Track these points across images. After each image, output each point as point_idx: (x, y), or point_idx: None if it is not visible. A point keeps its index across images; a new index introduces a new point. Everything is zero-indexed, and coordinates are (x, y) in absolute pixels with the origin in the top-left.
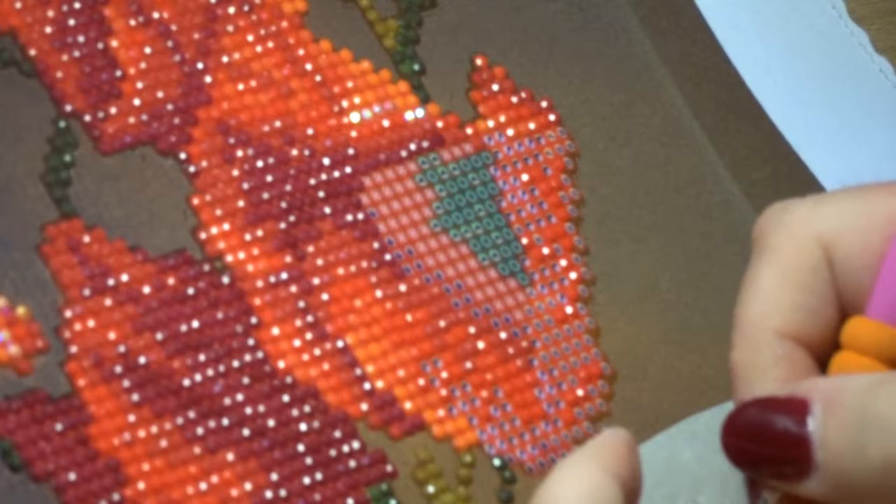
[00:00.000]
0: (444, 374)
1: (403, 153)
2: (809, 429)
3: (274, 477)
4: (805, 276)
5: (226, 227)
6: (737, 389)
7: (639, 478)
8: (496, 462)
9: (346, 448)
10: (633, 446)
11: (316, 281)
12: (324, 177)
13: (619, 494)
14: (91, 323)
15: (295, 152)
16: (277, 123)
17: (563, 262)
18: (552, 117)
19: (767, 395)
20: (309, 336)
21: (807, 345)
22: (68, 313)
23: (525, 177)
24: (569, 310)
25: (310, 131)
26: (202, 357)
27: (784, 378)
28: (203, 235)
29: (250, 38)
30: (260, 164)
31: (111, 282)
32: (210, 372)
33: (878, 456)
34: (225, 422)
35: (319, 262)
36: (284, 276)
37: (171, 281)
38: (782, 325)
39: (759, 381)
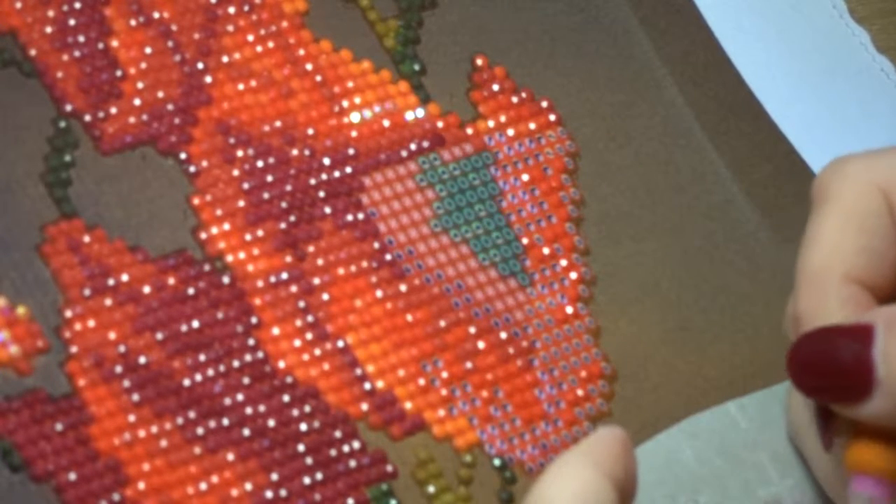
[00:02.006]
0: (445, 374)
1: (404, 153)
2: (874, 347)
3: (274, 477)
4: (868, 220)
5: (226, 227)
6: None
7: (634, 476)
8: (496, 462)
9: (346, 448)
10: (627, 444)
11: (316, 281)
12: (324, 177)
13: (613, 493)
14: (91, 323)
15: (295, 152)
16: (278, 123)
17: (564, 262)
18: (552, 117)
19: (833, 324)
20: (309, 336)
21: (872, 288)
22: (68, 313)
23: (525, 177)
24: (569, 310)
25: (310, 131)
26: (202, 357)
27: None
28: (203, 235)
29: (250, 38)
30: (260, 164)
31: (111, 282)
32: (210, 372)
33: None
34: (225, 422)
35: (320, 262)
36: (285, 276)
37: (171, 281)
38: (848, 269)
39: (826, 322)
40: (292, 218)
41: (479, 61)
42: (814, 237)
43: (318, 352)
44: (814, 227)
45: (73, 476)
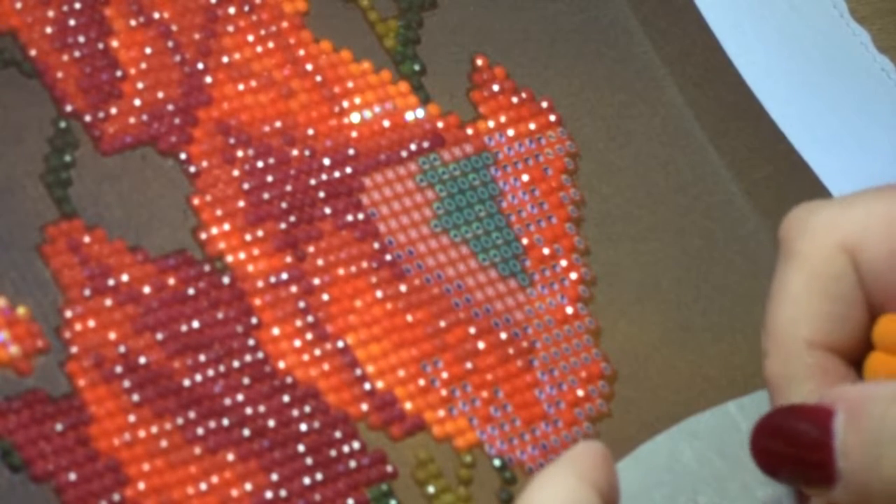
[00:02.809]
0: (445, 375)
1: (404, 153)
2: (833, 437)
3: (274, 477)
4: (832, 283)
5: (226, 227)
6: (773, 400)
7: (616, 489)
8: (496, 462)
9: (346, 448)
10: (608, 457)
11: (316, 281)
12: (324, 177)
13: (598, 502)
14: (91, 323)
15: (295, 152)
16: (278, 124)
17: (564, 263)
18: (552, 118)
19: (796, 403)
20: (309, 336)
21: (839, 351)
22: (68, 313)
23: (525, 177)
24: (569, 310)
25: (310, 131)
26: (202, 357)
27: (818, 389)
28: (203, 236)
29: (251, 38)
30: (260, 164)
31: (111, 282)
32: (210, 372)
33: (892, 470)
34: (225, 422)
35: (320, 262)
36: (285, 276)
37: (171, 281)
38: (812, 335)
39: (793, 392)
40: (292, 218)
41: (479, 61)
42: (779, 297)
43: (318, 352)
44: (779, 286)
45: (73, 476)
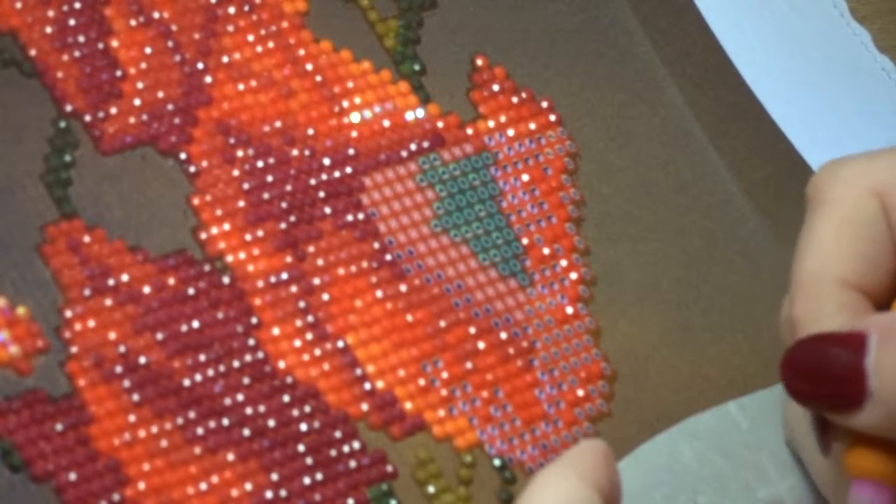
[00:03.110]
0: (445, 375)
1: (404, 153)
2: (866, 357)
3: (274, 477)
4: (863, 226)
5: (226, 227)
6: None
7: (618, 489)
8: (496, 462)
9: (346, 448)
10: (610, 456)
11: (316, 281)
12: (324, 177)
13: (599, 502)
14: (91, 323)
15: (295, 152)
16: (278, 123)
17: (564, 263)
18: (552, 118)
19: (827, 331)
20: (309, 336)
21: (869, 293)
22: (68, 313)
23: (525, 177)
24: (569, 310)
25: (310, 131)
26: (202, 357)
27: (848, 323)
28: (203, 235)
29: (251, 38)
30: (260, 164)
31: (111, 282)
32: (210, 372)
33: None
34: (225, 422)
35: (320, 262)
36: (285, 276)
37: (171, 281)
38: (844, 274)
39: (824, 326)
40: (292, 218)
41: (479, 61)
42: (809, 242)
43: (318, 352)
44: (809, 231)
45: (73, 476)
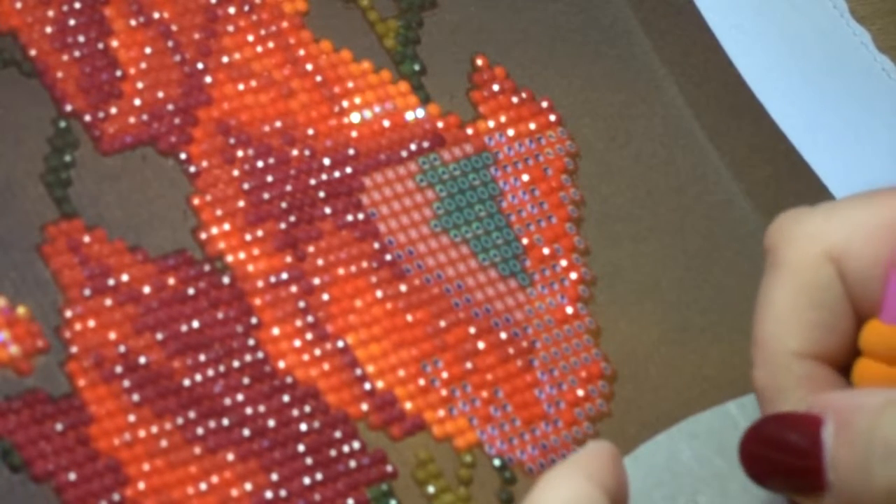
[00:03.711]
0: (445, 375)
1: (404, 153)
2: (823, 446)
3: (274, 477)
4: (818, 293)
5: (226, 227)
6: (763, 410)
7: (625, 488)
8: (496, 462)
9: (346, 448)
10: (618, 457)
11: (316, 281)
12: (324, 177)
13: (606, 503)
14: (91, 323)
15: (295, 152)
16: (278, 124)
17: (564, 263)
18: (552, 117)
19: (785, 411)
20: (309, 336)
21: (828, 359)
22: (68, 313)
23: (525, 177)
24: (569, 310)
25: (310, 131)
26: (202, 357)
27: (806, 397)
28: (203, 235)
29: (251, 38)
30: (260, 164)
31: (111, 282)
32: (210, 372)
33: (882, 483)
34: (225, 422)
35: (320, 262)
36: (285, 276)
37: (171, 281)
38: (800, 345)
39: (782, 402)
40: (292, 218)
41: (479, 61)
42: (766, 307)
43: (318, 352)
44: (765, 295)
45: (73, 476)
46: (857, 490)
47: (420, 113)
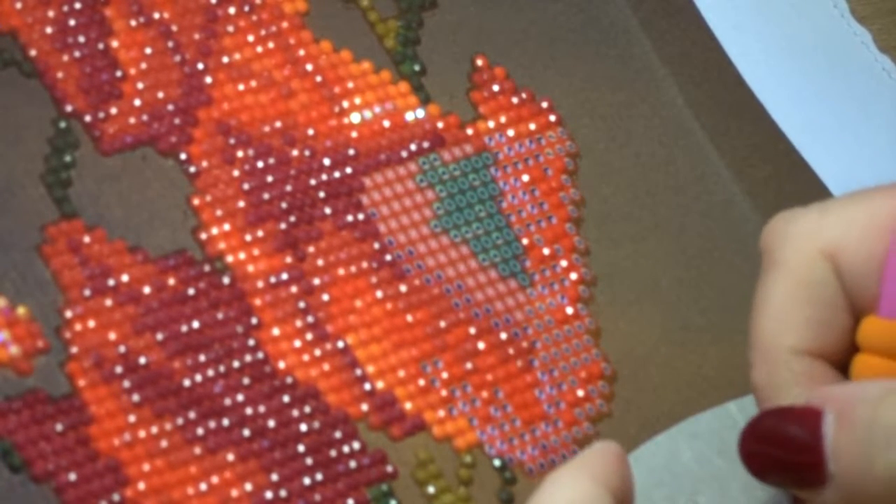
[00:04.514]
0: (445, 375)
1: (404, 154)
2: (823, 439)
3: (274, 477)
4: (815, 290)
5: (226, 227)
6: (761, 408)
7: (631, 488)
8: (496, 463)
9: (346, 448)
10: (623, 458)
11: (316, 281)
12: (324, 177)
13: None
14: (91, 323)
15: (295, 153)
16: (278, 124)
17: (564, 263)
18: (553, 118)
19: (785, 405)
20: (309, 336)
21: (825, 355)
22: (68, 313)
23: (525, 177)
24: (569, 310)
25: (310, 132)
26: (202, 357)
27: (805, 394)
28: (203, 236)
29: (251, 38)
30: (260, 164)
31: (111, 282)
32: (210, 372)
33: (884, 470)
34: (225, 422)
35: (320, 262)
36: (285, 276)
37: (171, 281)
38: (797, 342)
39: (781, 400)
40: (292, 218)
41: (479, 61)
42: (762, 305)
43: (318, 352)
44: (762, 294)
45: (73, 476)
46: (859, 479)
47: (420, 113)
